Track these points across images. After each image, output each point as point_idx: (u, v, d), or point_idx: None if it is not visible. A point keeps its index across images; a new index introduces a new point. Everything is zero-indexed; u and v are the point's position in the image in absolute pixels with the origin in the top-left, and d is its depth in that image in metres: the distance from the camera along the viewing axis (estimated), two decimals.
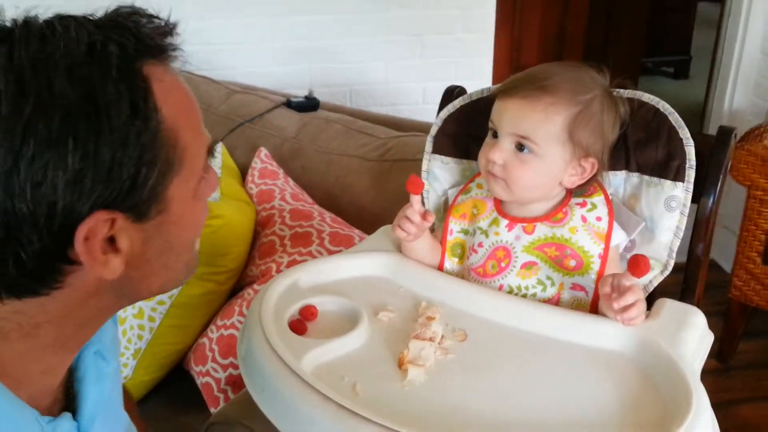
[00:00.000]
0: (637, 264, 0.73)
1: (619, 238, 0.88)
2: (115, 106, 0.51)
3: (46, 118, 0.49)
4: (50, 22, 0.53)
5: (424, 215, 0.88)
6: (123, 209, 0.54)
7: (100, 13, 0.56)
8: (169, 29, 0.57)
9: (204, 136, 0.60)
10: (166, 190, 0.56)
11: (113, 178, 0.52)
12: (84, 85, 0.50)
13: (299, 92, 1.77)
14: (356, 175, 1.48)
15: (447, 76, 2.14)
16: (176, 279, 0.64)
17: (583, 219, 0.87)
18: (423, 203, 0.95)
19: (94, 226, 0.52)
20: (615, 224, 0.87)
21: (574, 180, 0.87)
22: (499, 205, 0.91)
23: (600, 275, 0.85)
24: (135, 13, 0.56)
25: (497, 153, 0.85)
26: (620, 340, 0.78)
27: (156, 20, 0.56)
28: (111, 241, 0.55)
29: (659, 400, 0.71)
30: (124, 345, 1.25)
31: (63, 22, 0.53)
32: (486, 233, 0.91)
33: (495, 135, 0.87)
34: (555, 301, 0.87)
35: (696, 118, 2.58)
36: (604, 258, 0.85)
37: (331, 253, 1.27)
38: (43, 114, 0.49)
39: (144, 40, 0.54)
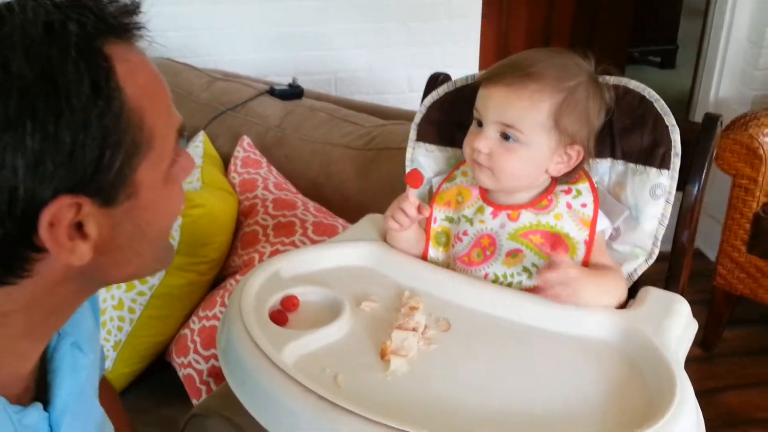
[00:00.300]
0: (552, 243, 0.83)
1: (603, 225, 0.87)
2: (75, 85, 0.49)
3: (4, 99, 0.48)
4: (8, 4, 0.51)
5: (419, 208, 0.87)
6: (89, 193, 0.52)
7: None
8: (132, 8, 0.55)
9: (174, 118, 0.58)
10: (135, 174, 0.54)
11: (76, 160, 0.50)
12: (42, 65, 0.49)
13: (282, 80, 1.74)
14: (341, 163, 1.46)
15: (433, 64, 2.12)
16: (149, 267, 0.62)
17: (568, 206, 0.86)
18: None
19: (58, 211, 0.51)
20: (599, 211, 0.86)
21: (560, 168, 0.86)
22: (485, 192, 0.90)
23: (585, 262, 0.84)
24: None
25: (482, 142, 0.84)
26: (605, 329, 0.78)
27: None
28: (79, 227, 0.53)
29: (644, 388, 0.71)
30: (104, 336, 1.24)
31: (21, 2, 0.51)
32: (471, 221, 0.89)
33: (480, 124, 0.86)
34: None
35: (682, 107, 2.58)
36: (589, 244, 0.84)
37: (314, 242, 1.26)
38: (0, 95, 0.48)
39: (106, 19, 0.53)
